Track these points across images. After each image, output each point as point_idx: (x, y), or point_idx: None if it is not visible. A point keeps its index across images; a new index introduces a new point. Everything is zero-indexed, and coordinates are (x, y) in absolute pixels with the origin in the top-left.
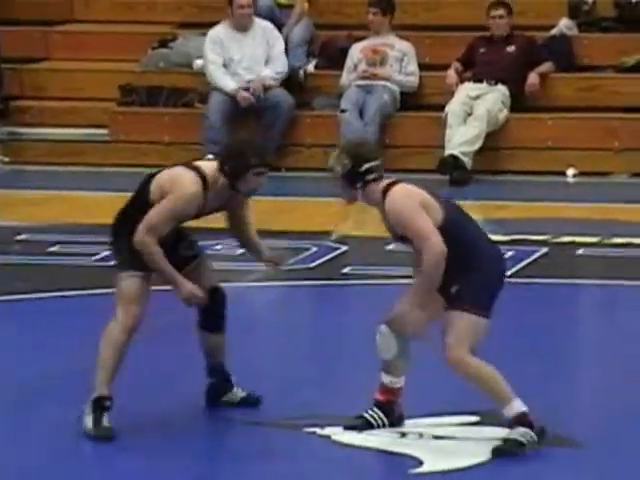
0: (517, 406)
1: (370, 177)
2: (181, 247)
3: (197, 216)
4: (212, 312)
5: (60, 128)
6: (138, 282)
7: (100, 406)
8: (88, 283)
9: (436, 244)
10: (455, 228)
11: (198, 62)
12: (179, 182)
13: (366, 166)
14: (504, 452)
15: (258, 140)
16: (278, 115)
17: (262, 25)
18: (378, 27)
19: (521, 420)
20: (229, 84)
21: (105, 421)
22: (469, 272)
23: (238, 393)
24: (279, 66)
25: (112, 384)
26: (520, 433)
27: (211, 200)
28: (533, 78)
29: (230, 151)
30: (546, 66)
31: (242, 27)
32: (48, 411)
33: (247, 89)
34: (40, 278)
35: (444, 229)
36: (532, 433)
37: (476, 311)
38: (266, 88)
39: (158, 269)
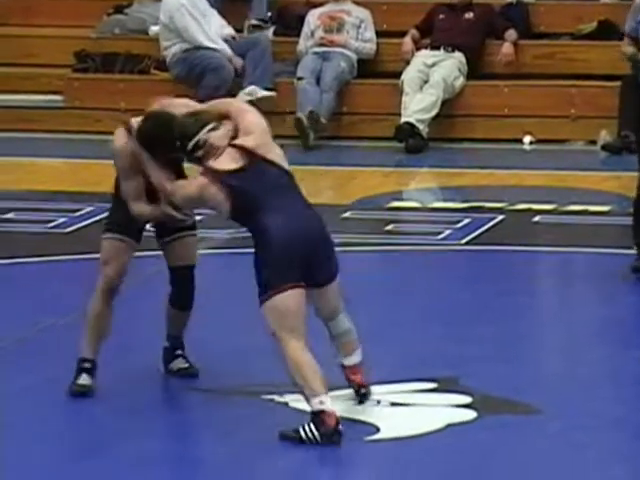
0: (317, 403)
1: (198, 154)
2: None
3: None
4: (181, 291)
5: (15, 94)
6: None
7: (79, 367)
8: (43, 250)
9: None
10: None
11: (154, 28)
12: None
13: (192, 143)
14: (286, 437)
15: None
16: (262, 50)
17: None
18: None
19: (316, 418)
20: (227, 49)
21: (82, 379)
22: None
23: (179, 364)
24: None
25: (96, 347)
26: (306, 428)
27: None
28: (507, 48)
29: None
30: (512, 34)
31: None
32: (4, 377)
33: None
34: None
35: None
36: (319, 433)
37: (261, 299)
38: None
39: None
